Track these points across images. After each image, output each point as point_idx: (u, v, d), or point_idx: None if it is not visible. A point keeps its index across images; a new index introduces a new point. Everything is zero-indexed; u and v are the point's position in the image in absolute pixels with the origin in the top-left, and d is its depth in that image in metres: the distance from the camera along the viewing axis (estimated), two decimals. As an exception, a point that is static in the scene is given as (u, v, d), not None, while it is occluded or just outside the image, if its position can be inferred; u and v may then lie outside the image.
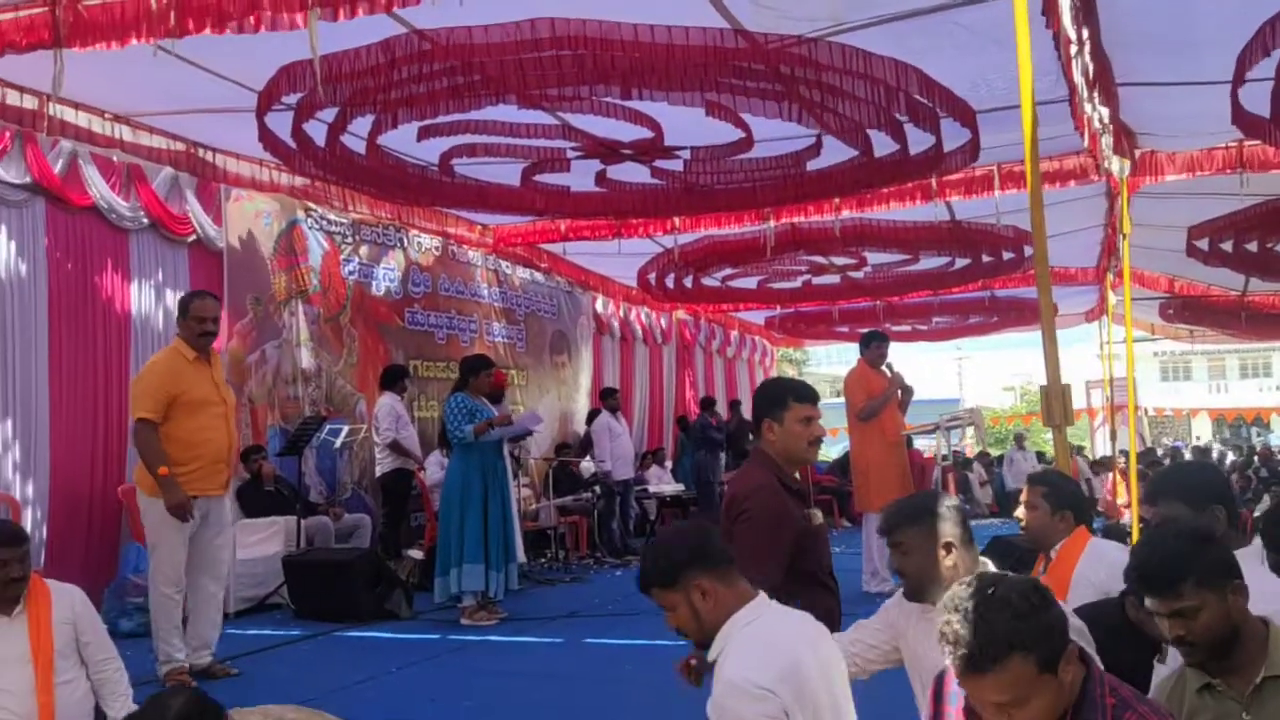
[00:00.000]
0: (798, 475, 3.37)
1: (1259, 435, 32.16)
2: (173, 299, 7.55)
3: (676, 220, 9.50)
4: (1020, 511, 3.52)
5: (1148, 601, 2.17)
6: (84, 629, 3.56)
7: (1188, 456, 18.68)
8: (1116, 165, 7.44)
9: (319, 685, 4.96)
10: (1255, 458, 20.16)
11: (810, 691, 2.32)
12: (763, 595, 2.52)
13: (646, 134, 6.68)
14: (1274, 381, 41.28)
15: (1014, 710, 1.79)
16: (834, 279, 12.27)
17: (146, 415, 5.02)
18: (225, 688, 4.97)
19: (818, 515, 3.30)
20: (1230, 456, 23.02)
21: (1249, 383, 41.59)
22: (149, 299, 7.45)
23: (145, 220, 7.36)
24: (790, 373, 33.53)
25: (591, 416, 11.65)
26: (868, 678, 2.84)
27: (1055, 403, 3.50)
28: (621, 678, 5.11)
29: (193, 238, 7.75)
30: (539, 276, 12.11)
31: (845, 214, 9.04)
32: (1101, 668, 1.92)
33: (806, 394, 3.33)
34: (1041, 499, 3.42)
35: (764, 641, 2.39)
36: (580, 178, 7.73)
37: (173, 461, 5.01)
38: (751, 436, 3.43)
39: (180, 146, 7.24)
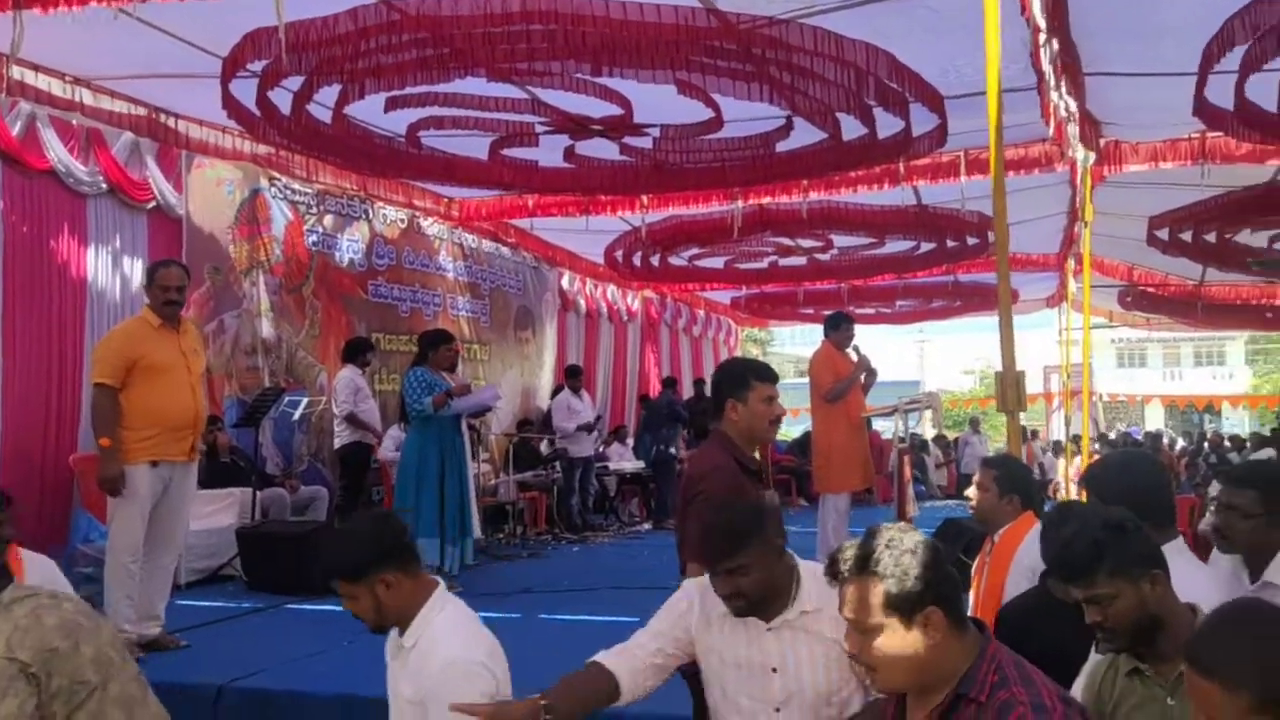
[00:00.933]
0: (756, 455, 3.42)
1: (1210, 422, 32.82)
2: (130, 266, 7.44)
3: (644, 198, 9.48)
4: (971, 491, 3.57)
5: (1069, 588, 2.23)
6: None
7: (1142, 443, 19.01)
8: (1081, 154, 7.52)
9: (269, 657, 4.93)
10: (1205, 444, 20.57)
11: (505, 669, 2.59)
12: (441, 584, 2.69)
13: (616, 111, 6.65)
14: (1227, 370, 42.10)
15: (864, 639, 1.93)
16: (800, 261, 12.32)
17: (103, 380, 4.97)
18: (174, 660, 4.94)
19: (773, 496, 3.35)
20: (1180, 442, 23.48)
21: (1203, 370, 42.38)
22: (106, 265, 7.32)
23: (104, 185, 7.22)
24: (755, 353, 33.69)
25: (555, 393, 11.64)
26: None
27: (1009, 389, 3.56)
28: (575, 653, 5.10)
29: (152, 204, 7.62)
30: (505, 251, 12.05)
31: (813, 196, 9.07)
32: (996, 644, 1.96)
33: (768, 374, 3.40)
34: (992, 481, 3.48)
35: (467, 623, 2.60)
36: (548, 153, 7.68)
37: (134, 427, 4.98)
38: (710, 416, 3.45)
39: (141, 111, 7.11)
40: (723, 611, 2.60)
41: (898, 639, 1.91)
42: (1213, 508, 3.17)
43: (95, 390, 5.05)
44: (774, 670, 2.54)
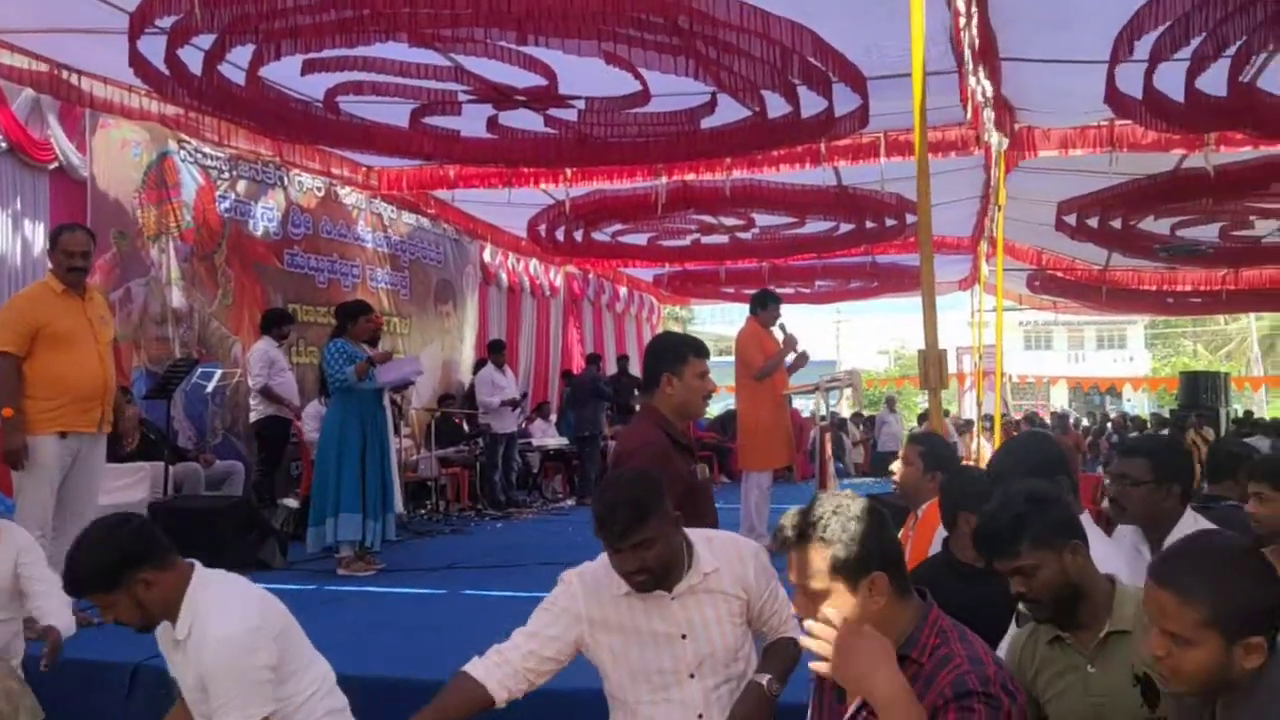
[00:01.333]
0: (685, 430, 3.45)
1: (1112, 403, 34.03)
2: (31, 229, 7.13)
3: (568, 172, 9.40)
4: (896, 466, 3.64)
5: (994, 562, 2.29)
6: (26, 560, 3.63)
7: (1048, 421, 19.62)
8: (995, 139, 7.68)
9: (186, 634, 4.81)
10: (1109, 424, 21.33)
11: (287, 630, 2.66)
12: (198, 563, 2.73)
13: (541, 81, 6.57)
14: (1128, 353, 43.66)
15: (811, 603, 1.98)
16: (722, 239, 12.38)
17: (5, 348, 4.79)
18: (90, 638, 4.76)
19: (704, 470, 3.37)
20: (1084, 422, 24.31)
21: (1105, 353, 43.88)
22: (6, 228, 6.99)
23: (3, 145, 6.89)
24: (676, 329, 33.85)
25: (478, 368, 11.53)
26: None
27: (932, 367, 3.63)
28: (500, 630, 5.09)
29: (54, 165, 7.30)
30: (425, 223, 11.86)
31: (736, 174, 9.12)
32: (938, 610, 2.03)
33: (703, 350, 3.49)
34: (917, 457, 3.54)
35: (233, 594, 2.67)
36: (471, 122, 7.56)
37: (39, 396, 4.81)
38: (637, 392, 3.45)
39: (43, 68, 6.79)
40: (619, 592, 2.58)
41: (844, 602, 1.95)
42: (1107, 481, 3.30)
43: None
44: (683, 637, 2.57)
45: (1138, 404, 33.15)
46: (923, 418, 17.30)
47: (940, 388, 3.67)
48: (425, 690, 4.08)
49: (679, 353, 3.33)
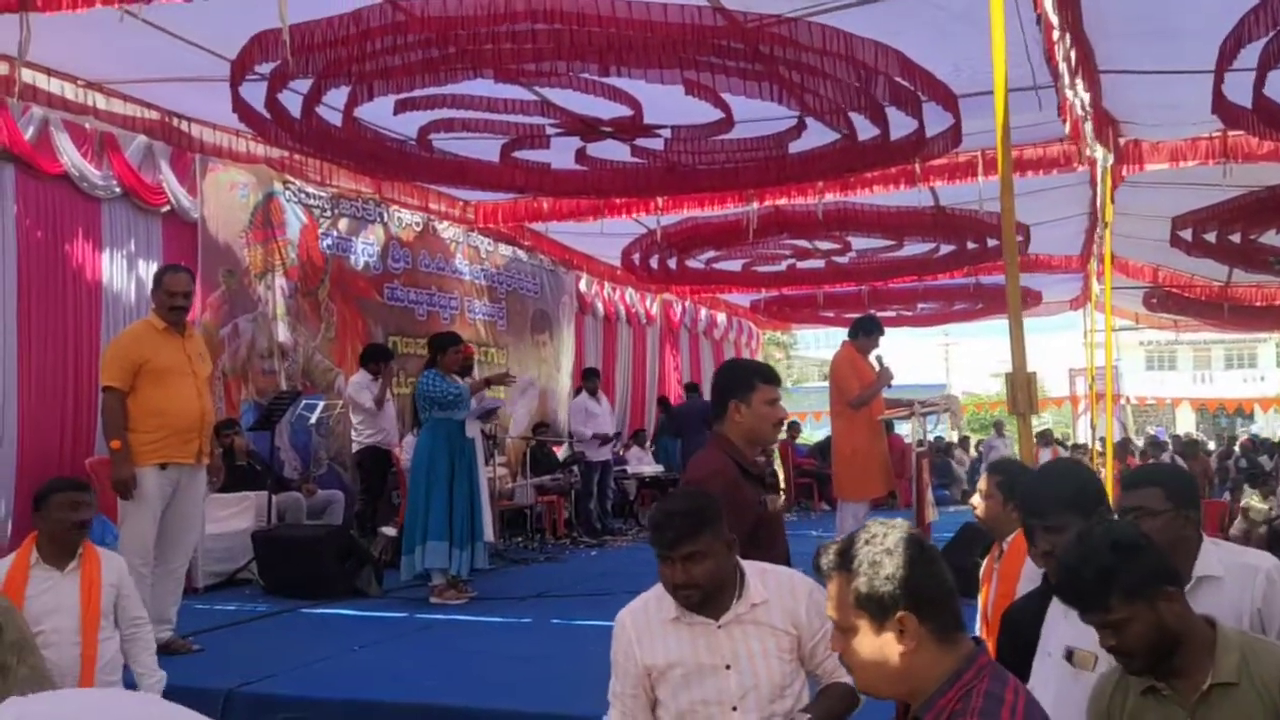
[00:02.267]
0: (762, 458, 3.39)
1: (1241, 425, 32.35)
2: (145, 269, 7.47)
3: (659, 201, 9.43)
4: (975, 499, 3.46)
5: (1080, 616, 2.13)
6: (125, 591, 3.85)
7: (1168, 445, 18.74)
8: (1100, 153, 7.41)
9: (280, 662, 4.93)
10: (1237, 447, 20.25)
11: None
12: None
13: (626, 112, 6.61)
14: (1259, 373, 41.52)
15: (843, 639, 1.84)
16: (819, 263, 12.23)
17: (111, 383, 5.05)
18: (187, 664, 4.94)
19: (775, 500, 3.30)
20: (1211, 445, 23.14)
21: (1234, 373, 41.83)
22: (121, 269, 7.35)
23: (118, 189, 7.26)
24: (778, 356, 33.53)
25: (575, 396, 11.61)
26: None
27: (1020, 391, 3.48)
28: (585, 658, 5.06)
29: (166, 208, 7.65)
30: (521, 254, 12.03)
31: (828, 198, 9.00)
32: (985, 663, 1.81)
33: (772, 376, 3.42)
34: (995, 488, 3.35)
35: None
36: (560, 155, 7.66)
37: (141, 429, 5.02)
38: (709, 420, 3.40)
39: (154, 115, 7.14)
40: (666, 618, 2.58)
41: (869, 641, 1.79)
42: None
43: (104, 393, 5.12)
44: (728, 668, 2.53)
45: (1269, 426, 31.43)
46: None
47: (1030, 413, 3.51)
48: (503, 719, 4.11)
49: (747, 380, 3.28)
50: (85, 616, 3.57)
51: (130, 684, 3.88)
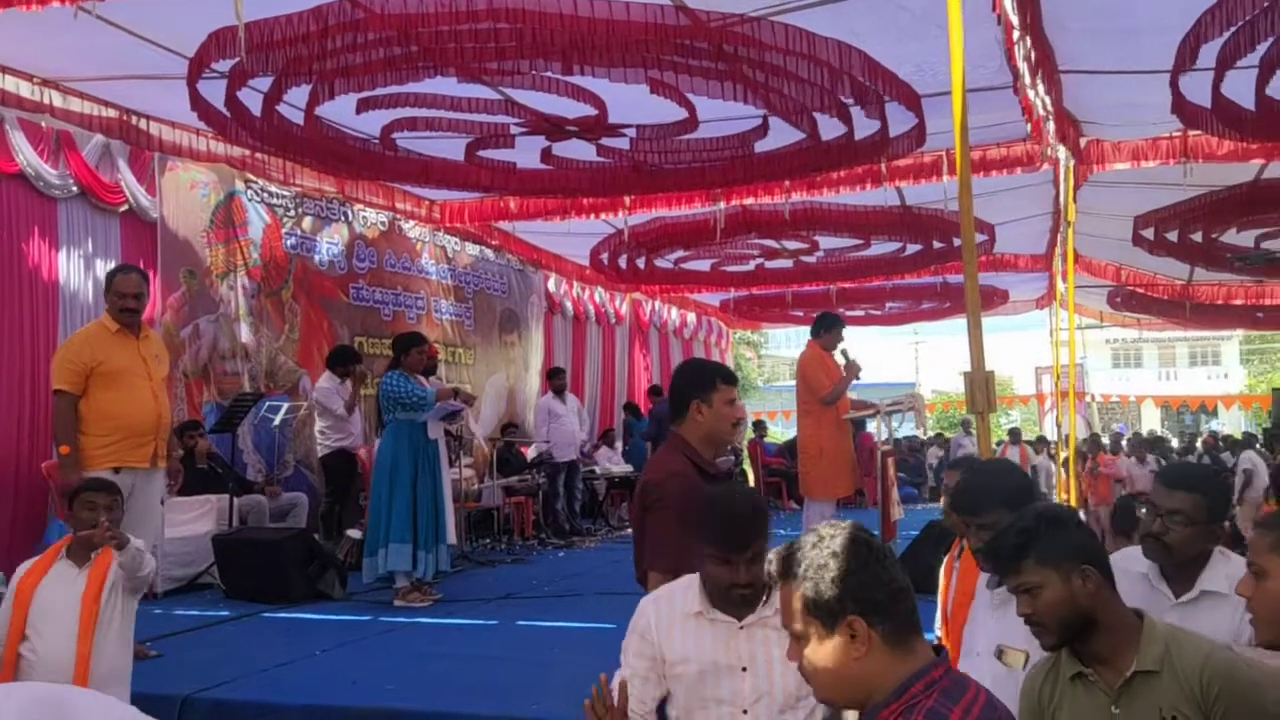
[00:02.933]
0: (731, 457, 3.41)
1: (1206, 422, 32.77)
2: (103, 270, 7.33)
3: (627, 200, 9.40)
4: (945, 497, 3.49)
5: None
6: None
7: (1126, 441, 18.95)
8: (1061, 153, 7.46)
9: (240, 667, 4.86)
10: (1200, 444, 20.50)
11: None
12: None
13: (590, 111, 6.58)
14: (1222, 370, 42.11)
15: (796, 646, 1.81)
16: (787, 263, 12.25)
17: (61, 387, 4.97)
18: (146, 670, 4.84)
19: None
20: (1174, 443, 23.41)
21: (1198, 370, 42.40)
22: (78, 269, 7.24)
23: (75, 188, 7.14)
24: (748, 356, 33.62)
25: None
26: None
27: (978, 390, 3.49)
28: (548, 661, 5.06)
29: (125, 207, 7.54)
30: (489, 254, 11.97)
31: (795, 197, 9.01)
32: (942, 672, 1.75)
33: (731, 376, 3.46)
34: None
35: None
36: (526, 154, 7.61)
37: (94, 433, 4.93)
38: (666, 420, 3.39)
39: (112, 114, 7.02)
40: (690, 612, 2.58)
41: (819, 648, 1.75)
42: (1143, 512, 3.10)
43: (55, 397, 5.03)
44: (744, 670, 2.53)
45: (1232, 423, 31.86)
46: (1000, 445, 16.86)
47: (988, 411, 3.53)
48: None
49: (709, 380, 3.29)
50: (84, 613, 3.55)
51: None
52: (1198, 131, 7.23)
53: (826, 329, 7.46)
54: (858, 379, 7.39)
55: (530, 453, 11.14)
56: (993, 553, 2.18)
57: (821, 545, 1.78)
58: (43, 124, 6.84)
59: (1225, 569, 2.61)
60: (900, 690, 1.70)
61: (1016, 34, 5.17)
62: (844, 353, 7.39)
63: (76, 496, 3.81)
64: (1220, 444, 19.29)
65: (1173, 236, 10.12)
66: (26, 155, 6.77)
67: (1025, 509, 2.18)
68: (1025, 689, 2.25)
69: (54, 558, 3.72)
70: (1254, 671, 2.02)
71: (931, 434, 19.27)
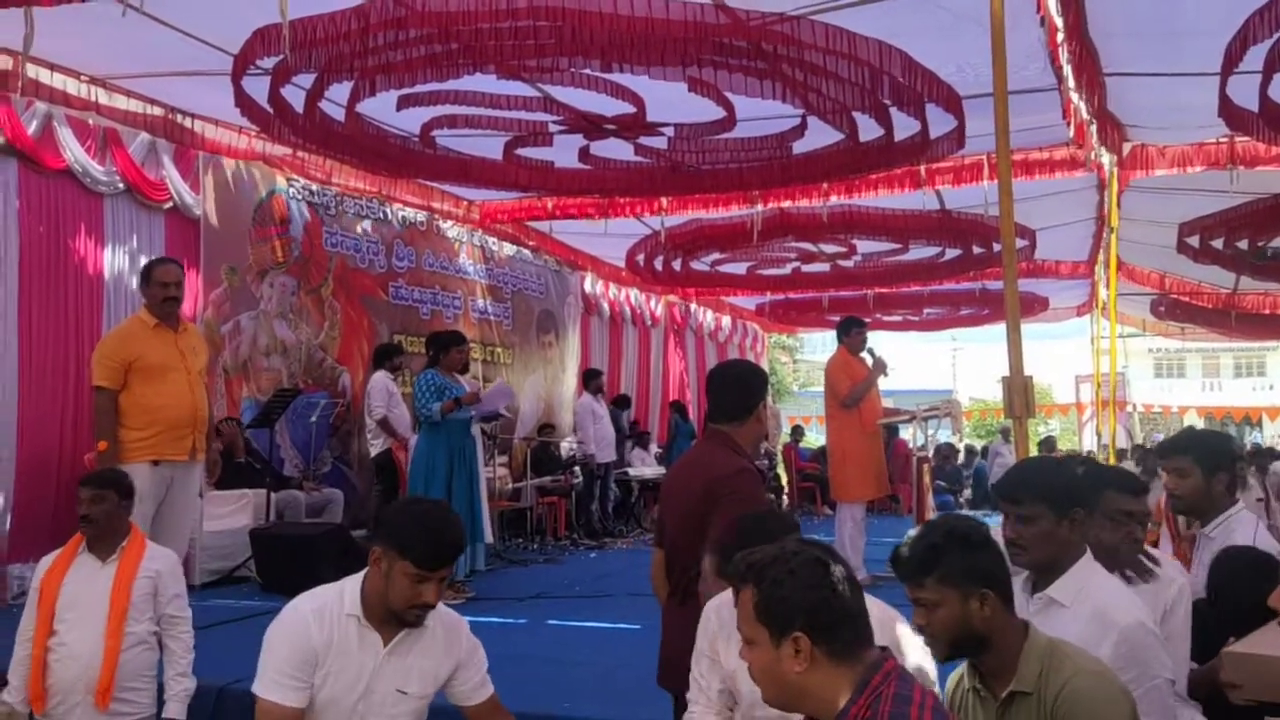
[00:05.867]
0: (765, 461, 3.43)
1: (1250, 433, 32.14)
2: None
3: (664, 202, 9.41)
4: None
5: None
6: (164, 588, 3.72)
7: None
8: (1105, 157, 7.36)
9: (274, 659, 4.89)
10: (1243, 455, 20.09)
11: None
12: None
13: (629, 109, 6.59)
14: (1268, 381, 41.26)
15: (746, 649, 1.90)
16: (824, 267, 12.19)
17: (101, 383, 5.04)
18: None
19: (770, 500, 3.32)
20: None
21: (1243, 382, 41.59)
22: (123, 265, 7.34)
23: (121, 185, 7.26)
24: (783, 360, 33.46)
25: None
26: None
27: (1017, 395, 3.45)
28: (576, 661, 5.06)
29: (169, 204, 7.65)
30: (526, 254, 12.01)
31: (833, 200, 8.96)
32: (890, 669, 1.84)
33: None
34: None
35: None
36: (564, 153, 7.63)
37: (133, 426, 5.00)
38: (711, 420, 3.36)
39: (158, 111, 7.13)
40: None
41: (765, 655, 1.84)
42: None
43: (95, 393, 5.11)
44: None
45: (1277, 435, 31.24)
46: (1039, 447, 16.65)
47: (1026, 416, 3.48)
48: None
49: (766, 386, 3.37)
50: (112, 608, 3.55)
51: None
52: (1244, 137, 7.11)
53: (846, 332, 7.72)
54: (885, 376, 7.46)
55: (569, 452, 11.15)
56: (897, 561, 2.17)
57: (784, 561, 1.86)
58: (90, 121, 6.96)
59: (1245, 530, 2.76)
60: (862, 686, 1.81)
61: (1060, 35, 5.10)
62: (870, 351, 7.51)
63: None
64: (1259, 454, 18.88)
65: (1218, 244, 9.94)
66: (74, 152, 6.89)
67: (937, 524, 2.17)
68: (947, 690, 2.31)
69: (75, 551, 3.71)
70: (1110, 705, 2.02)
71: (966, 444, 19.04)
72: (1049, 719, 2.03)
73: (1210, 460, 3.16)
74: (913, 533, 2.24)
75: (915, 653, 2.46)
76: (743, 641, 1.90)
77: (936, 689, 2.48)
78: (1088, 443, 18.98)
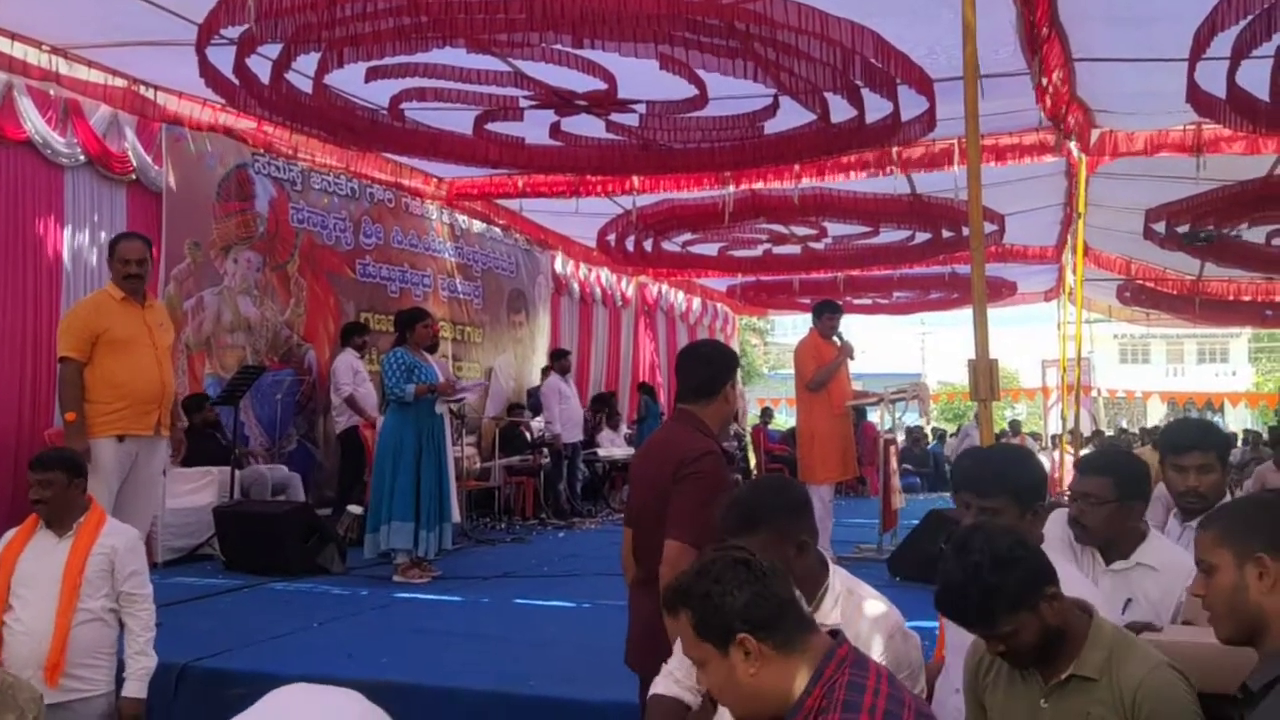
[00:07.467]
0: (734, 442, 3.41)
1: (1212, 419, 32.59)
2: (109, 239, 7.35)
3: (636, 181, 9.36)
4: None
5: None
6: (121, 565, 3.63)
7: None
8: (1074, 142, 7.40)
9: (237, 637, 4.88)
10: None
11: None
12: None
13: (600, 85, 6.53)
14: (1230, 367, 41.89)
15: (701, 673, 1.91)
16: (794, 249, 12.19)
17: (68, 354, 4.96)
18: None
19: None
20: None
21: (1206, 368, 42.17)
22: (84, 238, 7.22)
23: (82, 157, 7.12)
24: (754, 343, 33.53)
25: (543, 377, 11.54)
26: None
27: (982, 377, 3.46)
28: (543, 640, 5.06)
29: (132, 177, 7.52)
30: (496, 232, 11.93)
31: (805, 182, 8.96)
32: (845, 653, 1.84)
33: None
34: None
35: None
36: (535, 129, 7.56)
37: (99, 400, 4.92)
38: (680, 400, 3.33)
39: (120, 83, 7.01)
40: None
41: (720, 671, 1.84)
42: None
43: (60, 365, 5.04)
44: None
45: (1239, 421, 31.74)
46: (1000, 435, 16.83)
47: (991, 399, 3.50)
48: (461, 698, 4.08)
49: (735, 364, 3.31)
50: (65, 584, 3.50)
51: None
52: (1211, 124, 7.17)
53: (819, 315, 7.73)
54: (851, 360, 7.53)
55: (539, 432, 11.11)
56: (958, 615, 2.09)
57: (705, 575, 1.86)
58: (51, 92, 6.81)
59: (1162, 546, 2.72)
60: (816, 676, 1.81)
61: (1031, 18, 5.11)
62: (839, 336, 7.57)
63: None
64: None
65: (1184, 230, 10.03)
66: (35, 123, 6.75)
67: (973, 557, 2.04)
68: (968, 660, 2.26)
69: (33, 528, 3.66)
70: (1189, 699, 2.00)
71: (930, 428, 19.20)
72: (1129, 708, 1.99)
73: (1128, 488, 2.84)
74: (945, 585, 2.09)
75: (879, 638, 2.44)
76: (697, 668, 1.90)
77: (922, 683, 2.49)
78: (1053, 427, 19.17)
